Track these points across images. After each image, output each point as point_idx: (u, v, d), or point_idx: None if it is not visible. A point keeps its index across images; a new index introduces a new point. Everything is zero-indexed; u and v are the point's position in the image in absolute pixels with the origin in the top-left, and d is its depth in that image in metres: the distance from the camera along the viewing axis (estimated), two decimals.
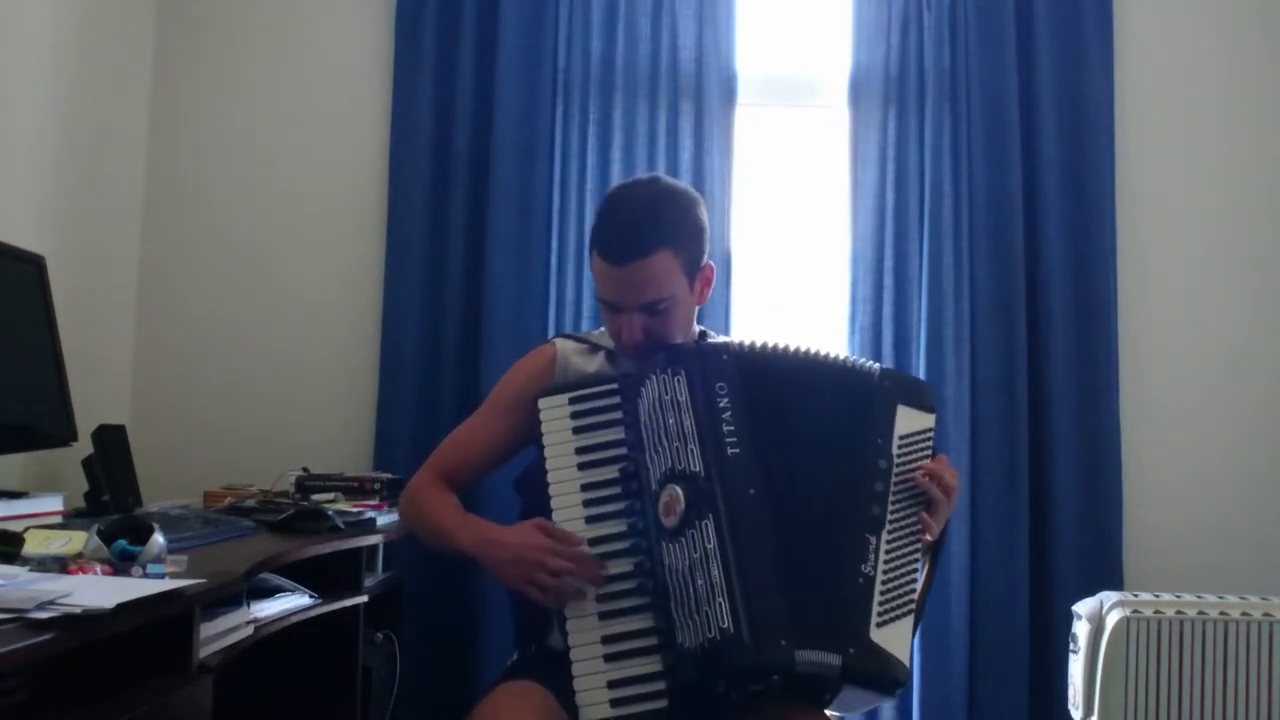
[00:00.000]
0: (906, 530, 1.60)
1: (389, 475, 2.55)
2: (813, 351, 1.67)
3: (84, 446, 2.15)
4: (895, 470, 1.61)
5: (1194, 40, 2.92)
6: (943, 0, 2.82)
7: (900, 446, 1.63)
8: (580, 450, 1.64)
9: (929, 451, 1.67)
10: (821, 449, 1.60)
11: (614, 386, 1.67)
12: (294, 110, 2.90)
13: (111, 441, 2.21)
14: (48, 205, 2.43)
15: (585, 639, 1.54)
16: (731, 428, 1.55)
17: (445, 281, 2.78)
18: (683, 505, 1.51)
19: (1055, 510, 2.73)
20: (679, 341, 1.74)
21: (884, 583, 1.54)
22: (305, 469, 2.55)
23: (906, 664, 1.54)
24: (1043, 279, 2.78)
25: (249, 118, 2.89)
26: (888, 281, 2.80)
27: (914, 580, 1.59)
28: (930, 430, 1.69)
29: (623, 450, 1.63)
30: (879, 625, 1.52)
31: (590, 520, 1.60)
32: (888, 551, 1.56)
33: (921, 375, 2.72)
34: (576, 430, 1.65)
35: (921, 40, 2.83)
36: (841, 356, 1.71)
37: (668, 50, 2.83)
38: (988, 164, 2.79)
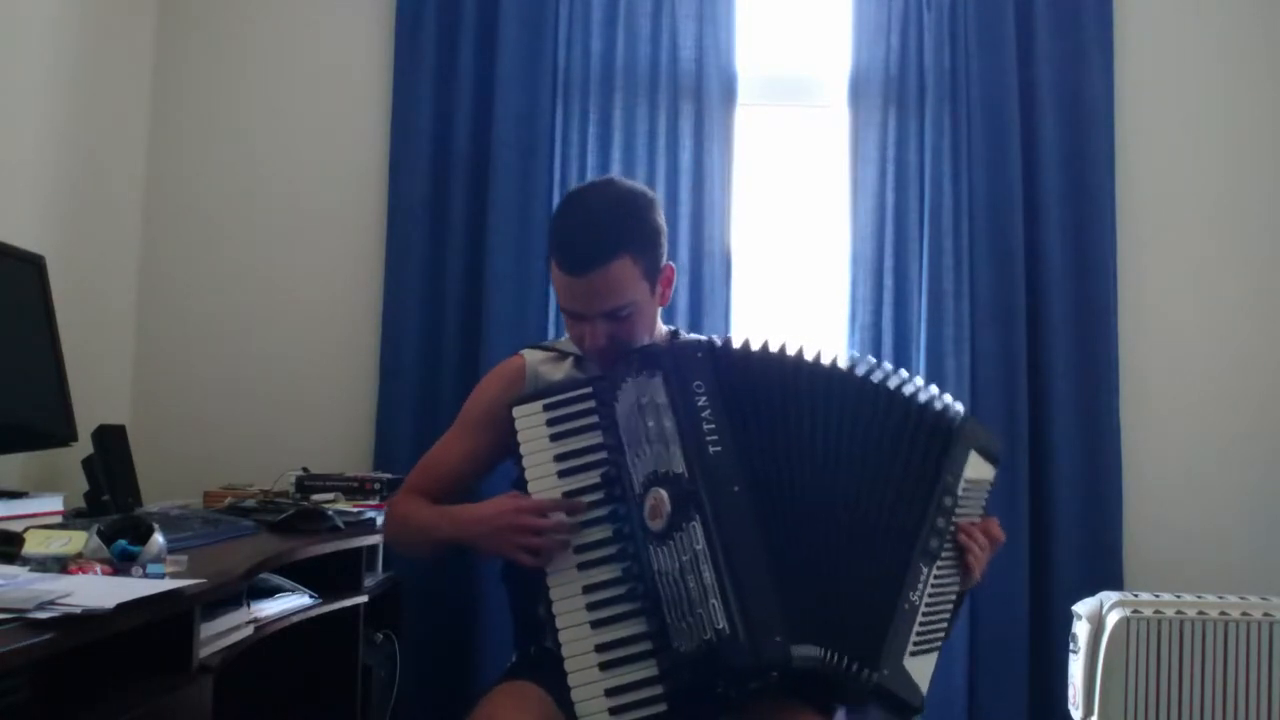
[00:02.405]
0: (952, 571, 1.61)
1: (389, 475, 2.55)
2: (809, 355, 1.64)
3: (84, 446, 2.15)
4: (957, 511, 1.62)
5: (1194, 40, 2.92)
6: (943, 0, 2.82)
7: (962, 489, 1.63)
8: (559, 457, 1.62)
9: (984, 504, 1.68)
10: (862, 458, 1.59)
11: (588, 390, 1.65)
12: (294, 110, 2.90)
13: (111, 441, 2.22)
14: (48, 205, 2.43)
15: (579, 649, 1.53)
16: (712, 425, 1.53)
17: (445, 281, 2.78)
18: (668, 508, 1.50)
19: (1055, 510, 2.72)
20: (646, 343, 1.72)
21: (923, 614, 1.54)
22: (305, 469, 2.55)
23: (923, 695, 1.54)
24: (1043, 279, 2.78)
25: (249, 118, 2.90)
26: (888, 281, 2.79)
27: (946, 619, 1.60)
28: (990, 483, 1.70)
29: (602, 454, 1.61)
30: (912, 654, 1.52)
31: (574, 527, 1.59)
32: (933, 586, 1.57)
33: (921, 375, 2.71)
34: (554, 437, 1.63)
35: (921, 40, 2.83)
36: (917, 380, 1.68)
37: (668, 50, 2.83)
38: (988, 164, 2.79)
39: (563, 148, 2.83)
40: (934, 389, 1.69)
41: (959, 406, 1.69)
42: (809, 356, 1.64)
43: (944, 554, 1.59)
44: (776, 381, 1.61)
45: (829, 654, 1.48)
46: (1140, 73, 2.89)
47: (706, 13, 2.84)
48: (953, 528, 1.61)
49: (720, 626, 1.43)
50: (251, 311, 2.86)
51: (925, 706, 1.56)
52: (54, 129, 2.44)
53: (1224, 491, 2.82)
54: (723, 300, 2.79)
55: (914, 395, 1.66)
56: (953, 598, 1.61)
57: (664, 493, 1.51)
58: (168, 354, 2.85)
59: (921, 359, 2.75)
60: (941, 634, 1.58)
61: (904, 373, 1.69)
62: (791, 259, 2.98)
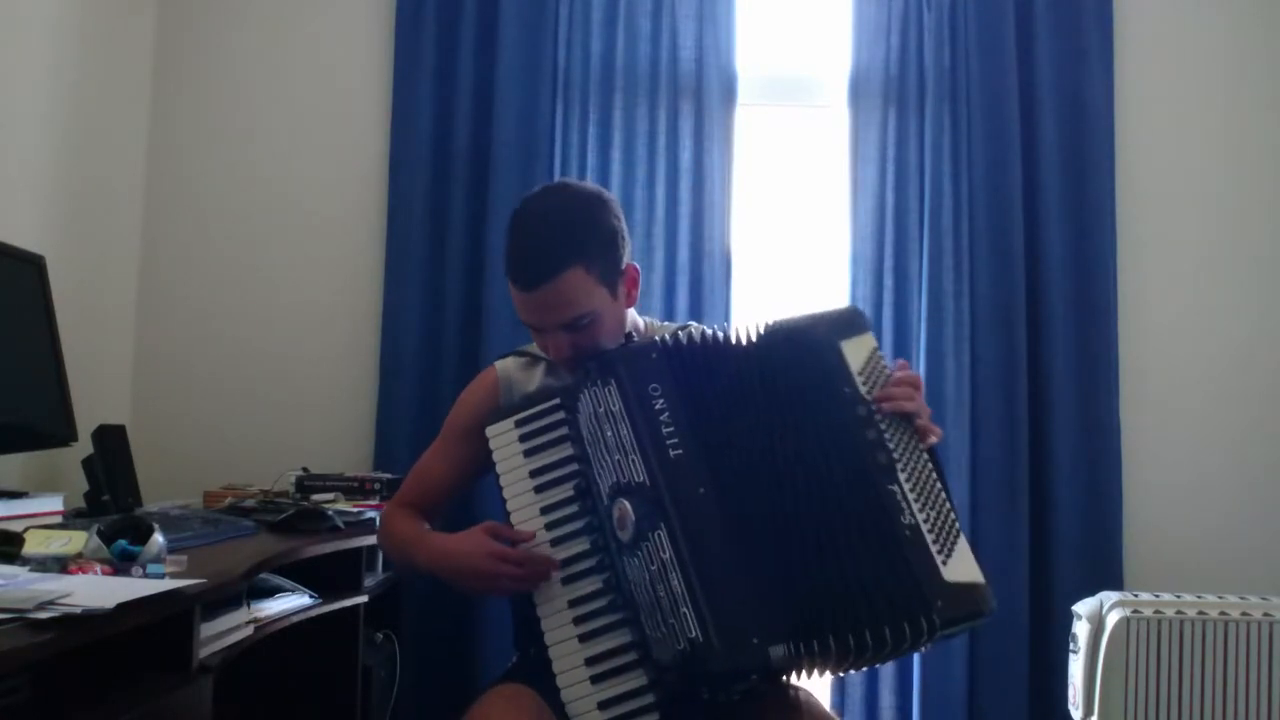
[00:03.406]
0: (912, 453, 1.53)
1: (389, 475, 2.55)
2: (741, 330, 1.59)
3: (84, 446, 2.15)
4: (873, 407, 1.52)
5: (1194, 40, 2.92)
6: (943, 0, 2.82)
7: (863, 383, 1.54)
8: (534, 473, 1.61)
9: (886, 368, 1.59)
10: (784, 425, 1.52)
11: (556, 402, 1.64)
12: (294, 110, 2.90)
13: (111, 441, 2.22)
14: (48, 205, 2.43)
15: (570, 663, 1.52)
16: (671, 429, 1.50)
17: (445, 281, 2.78)
18: (633, 518, 1.48)
19: (1055, 510, 2.73)
20: (608, 347, 1.67)
21: (925, 519, 1.46)
22: (305, 469, 2.55)
23: (983, 582, 1.47)
24: (1043, 279, 2.78)
25: (249, 118, 2.89)
26: (888, 281, 2.80)
27: (945, 495, 1.51)
28: (875, 348, 1.60)
29: (574, 466, 1.60)
30: (944, 563, 1.44)
31: (555, 542, 1.57)
32: (912, 487, 1.48)
33: (922, 375, 2.71)
34: (527, 453, 1.63)
35: (921, 40, 2.83)
36: (764, 324, 1.59)
37: (668, 50, 2.83)
38: (988, 164, 2.79)
39: (563, 148, 2.83)
40: (786, 315, 1.60)
41: (802, 318, 1.60)
42: (760, 338, 1.58)
43: (896, 453, 1.50)
44: (730, 371, 1.57)
45: (865, 636, 1.41)
46: (1140, 73, 2.89)
47: (706, 13, 2.84)
48: (882, 422, 1.51)
49: (693, 635, 1.41)
50: (251, 311, 2.86)
51: (990, 595, 1.47)
52: (54, 129, 2.44)
53: (1224, 491, 2.83)
54: (723, 300, 2.79)
55: (779, 327, 1.58)
56: (933, 473, 1.53)
57: (627, 503, 1.49)
58: (168, 354, 2.85)
59: (921, 359, 2.75)
60: (952, 516, 1.50)
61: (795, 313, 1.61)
62: (791, 259, 2.98)
